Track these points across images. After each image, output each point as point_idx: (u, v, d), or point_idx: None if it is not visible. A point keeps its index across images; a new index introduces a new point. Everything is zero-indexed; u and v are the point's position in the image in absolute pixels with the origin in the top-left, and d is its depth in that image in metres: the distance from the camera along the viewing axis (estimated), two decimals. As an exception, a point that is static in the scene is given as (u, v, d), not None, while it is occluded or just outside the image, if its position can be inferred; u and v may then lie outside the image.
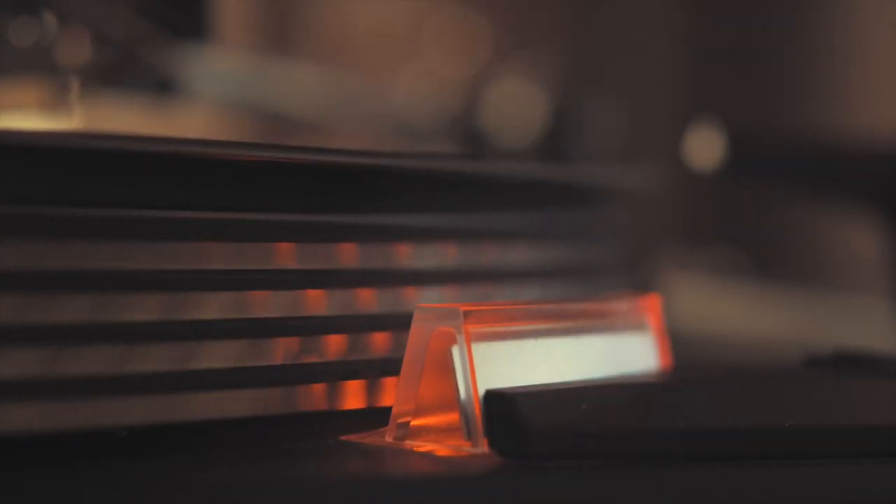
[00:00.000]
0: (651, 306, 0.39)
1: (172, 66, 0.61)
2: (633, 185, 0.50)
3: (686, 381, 0.37)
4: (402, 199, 0.37)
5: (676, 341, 0.40)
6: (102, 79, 0.59)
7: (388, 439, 0.34)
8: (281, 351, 0.34)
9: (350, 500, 0.30)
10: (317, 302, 0.34)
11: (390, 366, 0.35)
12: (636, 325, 0.38)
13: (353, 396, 0.35)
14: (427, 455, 0.33)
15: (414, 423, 0.34)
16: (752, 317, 0.74)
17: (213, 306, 0.33)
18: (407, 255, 0.36)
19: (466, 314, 0.33)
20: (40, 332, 0.30)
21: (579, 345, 0.36)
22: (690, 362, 0.41)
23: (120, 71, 0.60)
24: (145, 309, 0.32)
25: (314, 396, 0.34)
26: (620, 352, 0.37)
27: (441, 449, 0.33)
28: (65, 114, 0.55)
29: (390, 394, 0.35)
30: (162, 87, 0.61)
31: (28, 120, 0.54)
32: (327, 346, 0.34)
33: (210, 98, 0.62)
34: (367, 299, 0.35)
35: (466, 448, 0.33)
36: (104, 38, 0.60)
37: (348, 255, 0.35)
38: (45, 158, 0.31)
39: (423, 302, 0.36)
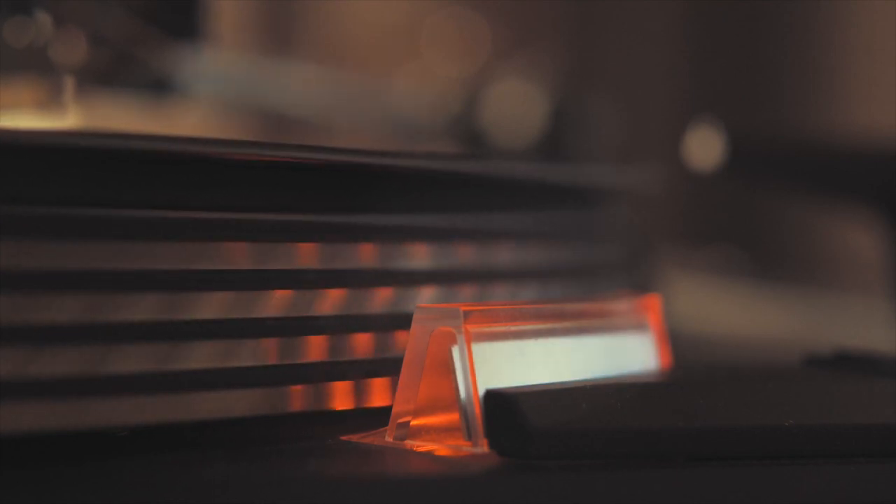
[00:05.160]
0: (651, 306, 0.39)
1: (168, 66, 0.61)
2: (633, 185, 0.50)
3: (686, 381, 0.37)
4: (401, 199, 0.37)
5: (676, 341, 0.40)
6: (98, 79, 0.59)
7: (388, 439, 0.34)
8: (280, 350, 0.34)
9: (350, 500, 0.30)
10: (316, 301, 0.34)
11: (390, 365, 0.35)
12: (636, 325, 0.38)
13: (353, 396, 0.35)
14: (427, 455, 0.33)
15: (414, 423, 0.34)
16: (752, 317, 0.74)
17: (212, 306, 0.33)
18: (406, 256, 0.36)
19: (466, 314, 0.33)
20: (39, 332, 0.30)
21: (579, 345, 0.36)
22: (690, 362, 0.41)
23: (115, 71, 0.60)
24: (144, 308, 0.32)
25: (314, 396, 0.34)
26: (620, 352, 0.37)
27: (441, 449, 0.33)
28: (60, 114, 0.55)
29: (390, 394, 0.35)
30: (158, 87, 0.61)
31: (23, 120, 0.54)
32: (327, 345, 0.34)
33: (206, 98, 0.62)
34: (367, 299, 0.35)
35: (466, 448, 0.33)
36: (99, 38, 0.60)
37: (348, 254, 0.35)
38: (42, 158, 0.31)
39: (423, 302, 0.36)
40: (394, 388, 0.34)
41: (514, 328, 0.34)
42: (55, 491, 0.29)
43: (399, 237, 0.36)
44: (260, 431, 0.33)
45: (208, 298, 0.32)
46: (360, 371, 0.35)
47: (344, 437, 0.34)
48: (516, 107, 0.68)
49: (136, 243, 0.32)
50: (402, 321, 0.35)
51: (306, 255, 0.34)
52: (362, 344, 0.35)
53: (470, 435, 0.33)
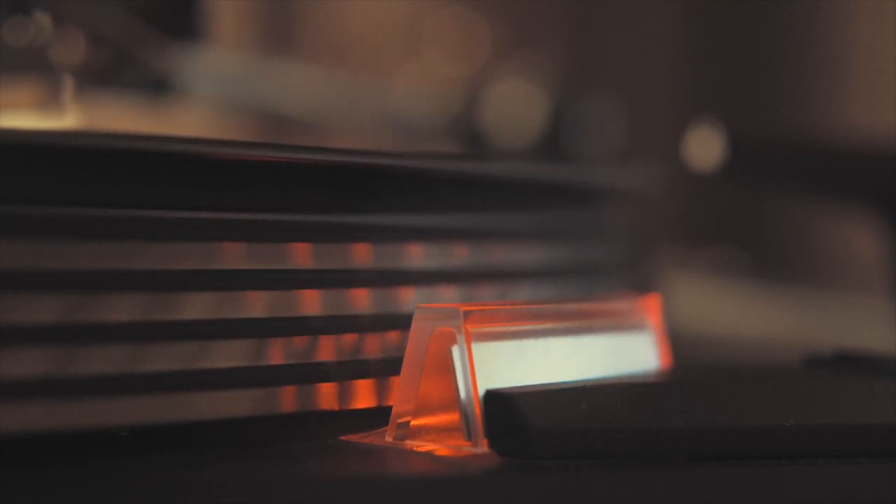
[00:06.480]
0: (651, 306, 0.39)
1: (168, 66, 0.61)
2: (633, 185, 0.50)
3: (686, 381, 0.37)
4: (402, 199, 0.37)
5: (676, 341, 0.40)
6: (97, 78, 0.59)
7: (388, 439, 0.34)
8: (280, 351, 0.34)
9: (350, 500, 0.30)
10: (316, 301, 0.34)
11: (390, 366, 0.35)
12: (636, 325, 0.38)
13: (353, 396, 0.35)
14: (427, 455, 0.33)
15: (414, 423, 0.34)
16: (752, 317, 0.74)
17: (212, 306, 0.33)
18: (407, 255, 0.36)
19: (466, 314, 0.33)
20: (39, 333, 0.30)
21: (579, 345, 0.36)
22: (690, 362, 0.41)
23: (115, 71, 0.60)
24: (144, 309, 0.31)
25: (314, 396, 0.34)
26: (620, 352, 0.37)
27: (441, 449, 0.33)
28: (59, 114, 0.55)
29: (390, 394, 0.35)
30: (157, 86, 0.61)
31: (22, 119, 0.54)
32: (327, 345, 0.34)
33: (206, 98, 0.62)
34: (367, 299, 0.35)
35: (466, 448, 0.33)
36: (99, 38, 0.60)
37: (348, 255, 0.35)
38: (40, 157, 0.31)
39: (423, 302, 0.36)
40: (394, 387, 0.34)
41: (514, 328, 0.34)
42: (55, 491, 0.29)
43: (398, 237, 0.36)
44: (259, 431, 0.33)
45: (209, 298, 0.32)
46: (361, 371, 0.35)
47: (344, 437, 0.34)
48: (516, 107, 0.68)
49: (133, 242, 0.32)
50: (403, 321, 0.35)
51: (307, 255, 0.34)
52: (362, 343, 0.35)
53: (470, 435, 0.33)
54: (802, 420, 0.34)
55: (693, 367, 0.40)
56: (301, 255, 0.34)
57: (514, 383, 0.33)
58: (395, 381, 0.34)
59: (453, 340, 0.33)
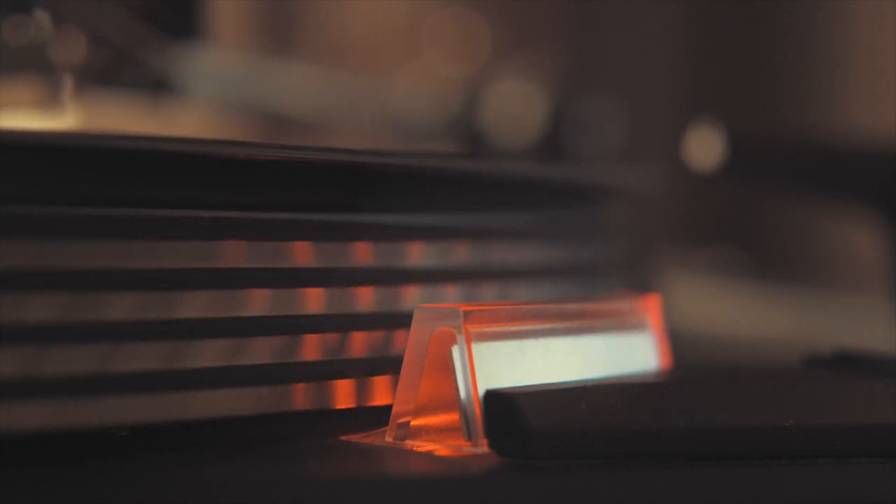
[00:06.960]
0: (651, 306, 0.39)
1: (168, 66, 0.61)
2: (633, 185, 0.50)
3: (686, 381, 0.37)
4: (401, 199, 0.37)
5: (676, 341, 0.40)
6: (97, 79, 0.59)
7: (388, 439, 0.34)
8: (281, 350, 0.34)
9: (350, 500, 0.30)
10: (316, 300, 0.34)
11: (390, 365, 0.35)
12: (636, 325, 0.38)
13: (352, 396, 0.35)
14: (427, 455, 0.33)
15: (414, 423, 0.34)
16: (752, 317, 0.74)
17: (212, 305, 0.33)
18: (407, 255, 0.36)
19: (466, 314, 0.33)
20: (39, 332, 0.30)
21: (579, 345, 0.36)
22: (690, 362, 0.41)
23: (115, 70, 0.60)
24: (144, 307, 0.31)
25: (314, 395, 0.34)
26: (620, 352, 0.37)
27: (441, 449, 0.33)
28: (59, 113, 0.55)
29: (390, 393, 0.35)
30: (157, 87, 0.61)
31: (22, 119, 0.54)
32: (327, 345, 0.34)
33: (206, 98, 0.62)
34: (367, 298, 0.35)
35: (466, 448, 0.33)
36: (99, 38, 0.60)
37: (348, 253, 0.35)
38: (43, 158, 0.31)
39: (423, 302, 0.36)
40: (394, 387, 0.34)
41: (514, 328, 0.34)
42: (55, 491, 0.29)
43: (398, 236, 0.36)
44: (260, 431, 0.33)
45: (207, 297, 0.32)
46: (360, 370, 0.35)
47: (344, 437, 0.34)
48: (516, 107, 0.68)
49: (134, 242, 0.32)
50: (403, 320, 0.35)
51: (305, 254, 0.34)
52: (362, 343, 0.35)
53: (470, 435, 0.33)
54: (802, 420, 0.34)
55: (693, 367, 0.40)
56: (301, 254, 0.34)
57: (514, 383, 0.33)
58: (396, 381, 0.34)
59: (453, 340, 0.33)
